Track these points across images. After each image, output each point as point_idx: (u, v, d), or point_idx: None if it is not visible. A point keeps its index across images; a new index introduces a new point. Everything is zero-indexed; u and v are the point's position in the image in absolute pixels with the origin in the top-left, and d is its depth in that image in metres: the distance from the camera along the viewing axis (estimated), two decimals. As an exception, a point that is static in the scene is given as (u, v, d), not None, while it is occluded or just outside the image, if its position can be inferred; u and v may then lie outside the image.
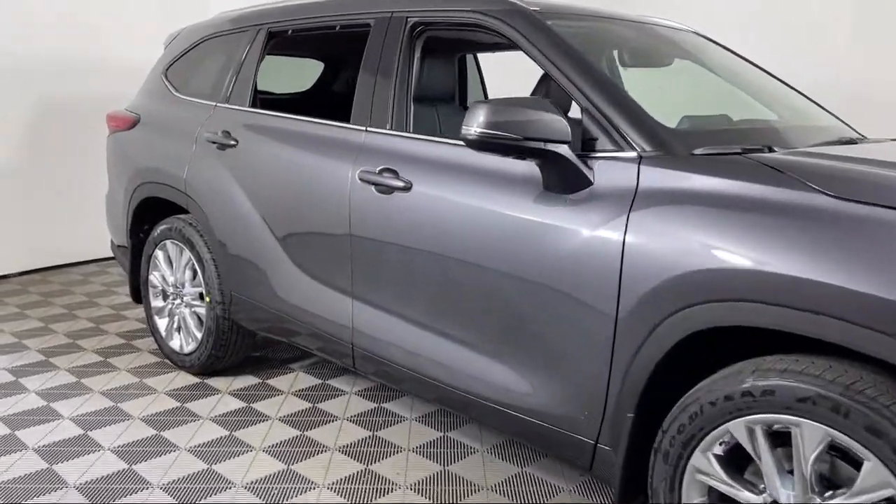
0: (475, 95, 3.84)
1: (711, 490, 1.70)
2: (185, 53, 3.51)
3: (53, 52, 5.01)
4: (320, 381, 3.27)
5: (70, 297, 4.52)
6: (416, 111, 2.50)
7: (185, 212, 3.27)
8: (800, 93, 2.79)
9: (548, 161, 1.91)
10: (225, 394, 3.14)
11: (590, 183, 1.89)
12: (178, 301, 3.32)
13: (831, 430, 1.47)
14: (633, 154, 1.86)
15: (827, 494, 1.53)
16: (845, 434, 1.45)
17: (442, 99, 2.85)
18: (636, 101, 1.96)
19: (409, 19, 2.48)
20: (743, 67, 2.79)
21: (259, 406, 3.02)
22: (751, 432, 1.59)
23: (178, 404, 3.02)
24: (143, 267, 3.46)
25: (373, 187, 2.37)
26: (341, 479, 2.47)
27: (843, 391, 1.45)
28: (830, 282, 1.46)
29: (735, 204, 1.65)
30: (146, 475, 2.47)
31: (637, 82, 2.48)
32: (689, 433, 1.67)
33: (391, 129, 2.44)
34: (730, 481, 1.65)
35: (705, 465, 1.68)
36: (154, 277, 3.41)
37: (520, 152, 1.90)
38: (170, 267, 3.35)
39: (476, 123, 1.89)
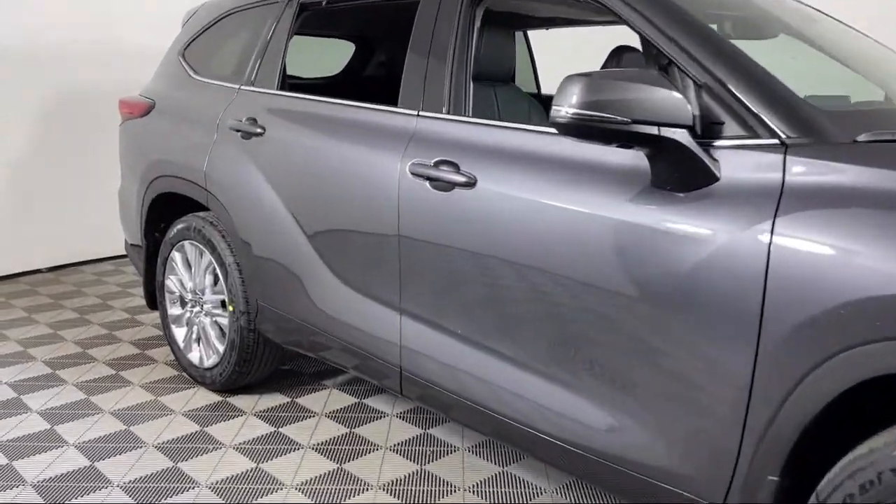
0: (526, 78, 3.44)
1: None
2: (204, 31, 3.13)
3: (65, 39, 4.67)
4: (356, 401, 2.90)
5: (82, 300, 4.19)
6: (473, 93, 2.11)
7: (206, 209, 2.91)
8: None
9: (661, 150, 1.52)
10: (250, 415, 2.78)
11: (715, 178, 1.49)
12: (197, 309, 2.97)
13: None
14: (774, 142, 1.45)
15: None
16: None
17: (500, 79, 2.47)
18: (773, 75, 1.55)
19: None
20: (856, 41, 2.37)
21: (289, 431, 2.65)
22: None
23: (198, 428, 2.67)
24: (159, 270, 3.10)
25: (427, 183, 1.99)
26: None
27: None
28: None
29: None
30: (161, 519, 2.13)
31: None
32: (859, 507, 1.28)
33: (448, 113, 2.05)
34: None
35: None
36: (171, 282, 3.06)
37: (626, 139, 1.51)
38: (188, 271, 3.00)
39: (569, 102, 1.50)
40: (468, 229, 1.90)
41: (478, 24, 2.13)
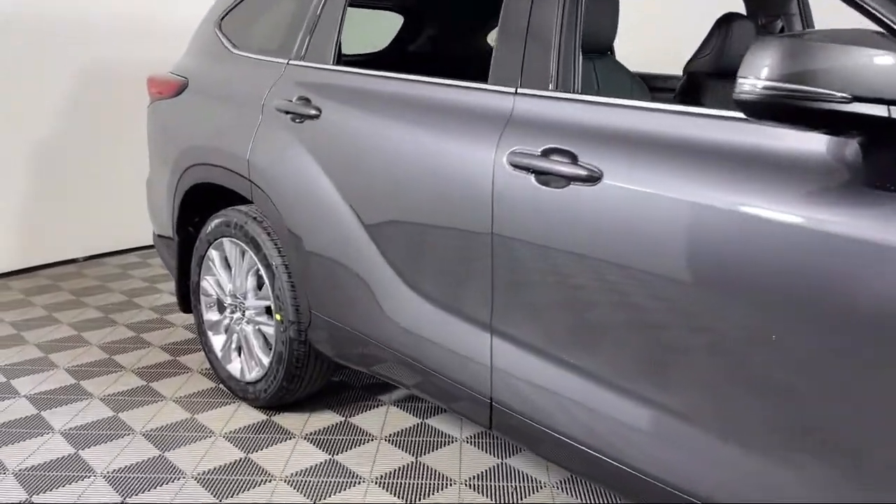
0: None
1: None
2: (243, -1, 2.77)
3: (91, 14, 4.33)
4: (418, 421, 2.55)
5: (106, 296, 3.86)
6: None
7: (248, 202, 2.56)
8: None
9: (885, 137, 1.14)
10: (300, 438, 2.44)
11: (961, 177, 1.11)
12: (237, 315, 2.62)
13: None
14: None
15: None
16: None
17: (600, 50, 2.08)
18: None
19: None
20: None
21: (346, 459, 2.31)
22: None
23: (242, 455, 2.33)
24: (194, 270, 2.76)
25: (532, 176, 1.62)
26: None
27: None
28: None
29: None
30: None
31: None
32: None
33: (556, 90, 1.68)
34: None
35: None
36: (207, 284, 2.72)
37: (841, 123, 1.12)
38: (227, 271, 2.65)
39: (761, 73, 1.12)
40: (589, 235, 1.52)
41: (586, -19, 1.75)
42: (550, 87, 1.68)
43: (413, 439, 2.42)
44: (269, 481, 2.19)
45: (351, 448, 2.37)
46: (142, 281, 4.14)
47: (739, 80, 1.14)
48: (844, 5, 1.26)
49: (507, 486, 2.15)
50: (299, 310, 2.36)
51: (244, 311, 2.59)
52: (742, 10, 2.61)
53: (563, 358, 1.63)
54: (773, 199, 1.27)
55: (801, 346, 1.26)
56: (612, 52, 2.40)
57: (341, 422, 2.54)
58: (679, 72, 2.68)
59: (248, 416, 2.57)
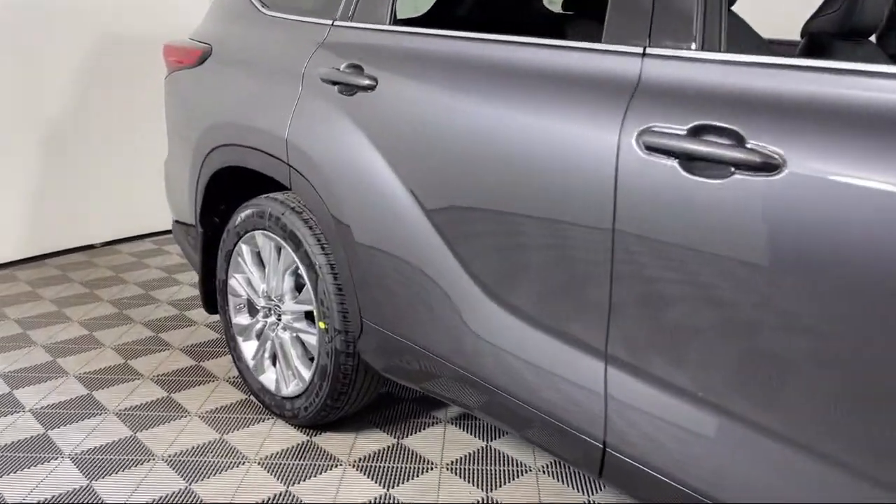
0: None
1: None
2: (275, -49, 2.38)
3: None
4: (482, 444, 2.19)
5: (121, 289, 3.52)
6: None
7: (285, 188, 2.20)
8: None
9: None
10: (347, 466, 2.09)
11: None
12: (272, 319, 2.27)
13: None
14: None
15: None
16: None
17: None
18: None
19: None
20: None
21: (404, 493, 1.96)
22: None
23: (283, 488, 1.98)
24: (220, 266, 2.41)
25: (676, 162, 1.24)
26: None
27: None
28: None
29: None
30: None
31: None
32: None
33: (700, 48, 1.29)
34: None
35: None
36: (236, 282, 2.36)
37: None
38: (260, 269, 2.29)
39: None
40: (763, 242, 1.14)
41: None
42: (693, 45, 1.29)
43: (482, 468, 2.06)
44: (317, 524, 1.85)
45: (409, 479, 2.02)
46: (158, 271, 3.80)
47: None
48: None
49: (491, 470, 1.82)
50: (347, 317, 2.00)
51: (280, 316, 2.23)
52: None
53: (711, 401, 1.26)
54: None
55: None
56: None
57: (393, 444, 2.19)
58: (783, 37, 2.29)
59: (286, 436, 2.23)
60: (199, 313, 3.19)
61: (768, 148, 1.13)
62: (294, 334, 2.20)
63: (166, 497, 1.94)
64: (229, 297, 2.40)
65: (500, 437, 2.22)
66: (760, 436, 1.21)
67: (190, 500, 1.92)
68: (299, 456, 2.12)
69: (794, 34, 2.19)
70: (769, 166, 1.13)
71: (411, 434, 2.24)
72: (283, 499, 1.93)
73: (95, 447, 2.17)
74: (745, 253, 1.17)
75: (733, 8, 1.70)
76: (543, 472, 2.04)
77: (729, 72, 1.23)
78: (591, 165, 1.35)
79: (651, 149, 1.26)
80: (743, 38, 1.74)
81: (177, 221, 2.80)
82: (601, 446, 1.43)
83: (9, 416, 2.34)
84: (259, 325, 2.32)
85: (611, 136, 1.32)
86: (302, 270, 2.08)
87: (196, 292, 3.44)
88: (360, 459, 2.11)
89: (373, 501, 1.92)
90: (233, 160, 2.27)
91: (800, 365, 1.15)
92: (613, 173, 1.31)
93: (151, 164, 3.89)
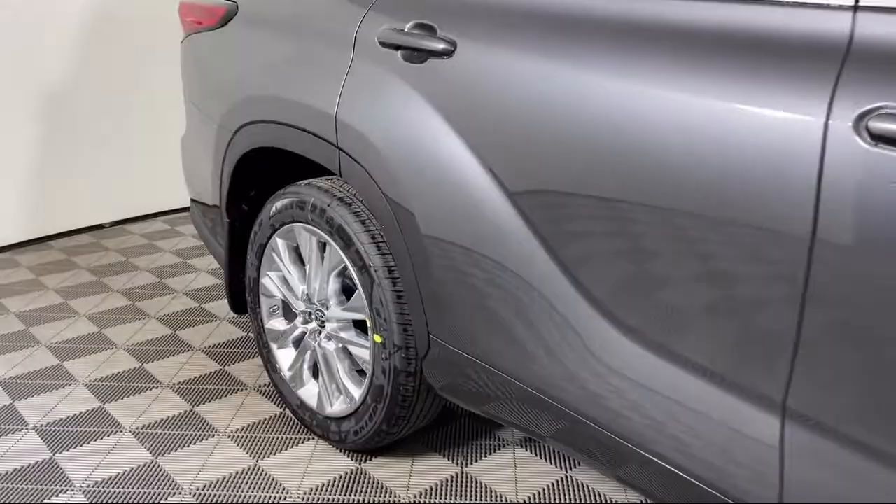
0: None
1: None
2: None
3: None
4: (560, 474, 1.88)
5: (131, 277, 3.20)
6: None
7: (329, 173, 1.86)
8: None
9: None
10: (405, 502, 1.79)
11: None
12: (313, 326, 1.95)
13: None
14: None
15: None
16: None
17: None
18: None
19: None
20: None
21: (479, 541, 1.66)
22: None
23: (334, 533, 1.69)
24: (251, 262, 2.08)
25: (916, 159, 0.90)
26: None
27: None
28: None
29: None
30: None
31: None
32: None
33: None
34: None
35: None
36: (269, 281, 2.03)
37: None
38: (299, 267, 1.96)
39: None
40: None
41: None
42: (929, -7, 0.94)
43: (558, 501, 1.76)
44: (380, 582, 1.55)
45: (480, 520, 1.72)
46: (172, 255, 3.47)
47: None
48: None
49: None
50: (410, 331, 1.67)
51: (323, 323, 1.91)
52: None
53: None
54: None
55: None
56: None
57: (456, 474, 1.88)
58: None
59: (332, 462, 1.92)
60: (220, 306, 2.88)
61: None
62: (340, 345, 1.88)
63: (197, 543, 1.64)
64: (261, 297, 2.07)
65: (577, 465, 1.91)
66: None
67: (225, 548, 1.62)
68: (349, 488, 1.81)
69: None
70: None
71: (476, 460, 1.93)
72: (335, 546, 1.64)
73: (110, 476, 1.85)
74: None
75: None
76: (637, 510, 1.74)
77: None
78: (784, 158, 1.00)
79: (878, 137, 0.92)
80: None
81: (194, 201, 2.47)
82: (771, 518, 1.11)
83: (12, 436, 2.03)
84: (297, 332, 2.00)
85: (816, 117, 0.97)
86: (352, 272, 1.75)
87: (215, 281, 3.13)
88: (421, 493, 1.80)
89: (443, 551, 1.63)
90: (265, 140, 1.92)
91: None
92: (817, 168, 0.96)
93: (164, 139, 3.56)
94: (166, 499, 1.76)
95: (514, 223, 1.38)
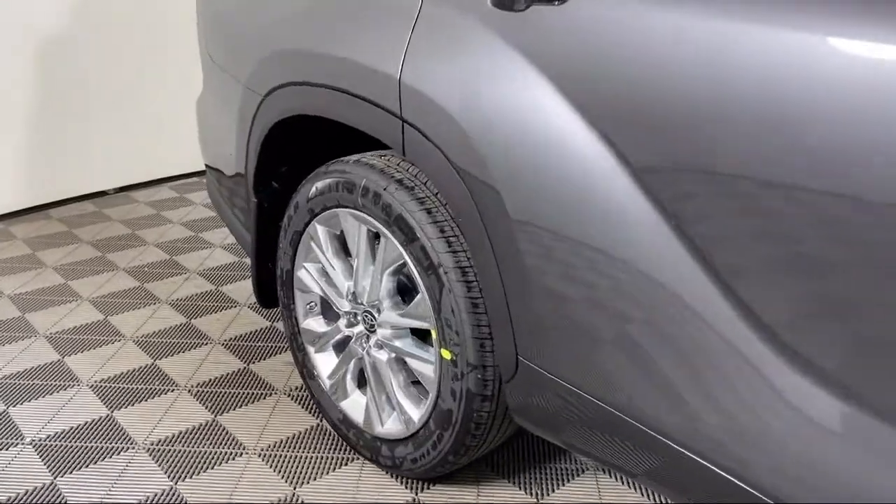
0: None
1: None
2: None
3: None
4: (648, 502, 1.59)
5: (139, 254, 2.89)
6: None
7: (386, 147, 1.53)
8: None
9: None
10: (478, 546, 1.50)
11: None
12: (360, 329, 1.63)
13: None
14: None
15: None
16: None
17: None
18: None
19: None
20: None
21: None
22: None
23: (395, 589, 1.40)
24: (284, 251, 1.75)
25: None
26: None
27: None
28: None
29: None
30: None
31: None
32: None
33: None
34: None
35: None
36: (306, 274, 1.71)
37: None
38: (344, 260, 1.64)
39: None
40: None
41: None
42: None
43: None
44: None
45: (568, 571, 1.43)
46: (182, 228, 3.15)
47: None
48: None
49: None
50: (488, 348, 1.36)
51: (373, 327, 1.59)
52: None
53: None
54: None
55: None
56: None
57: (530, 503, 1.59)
58: None
59: (383, 490, 1.62)
60: (238, 289, 2.57)
61: None
62: (393, 356, 1.57)
63: None
64: (296, 292, 1.75)
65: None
66: None
67: None
68: (407, 527, 1.53)
69: None
70: None
71: (553, 489, 1.64)
72: None
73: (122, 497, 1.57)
74: None
75: None
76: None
77: None
78: None
79: None
80: None
81: (209, 167, 2.15)
82: None
83: (4, 452, 1.74)
84: (340, 336, 1.69)
85: None
86: (413, 272, 1.43)
87: (231, 258, 2.82)
88: (492, 534, 1.51)
89: None
90: (305, 107, 1.58)
91: None
92: None
93: (172, 98, 3.21)
94: (189, 538, 1.48)
95: (680, 260, 1.03)
